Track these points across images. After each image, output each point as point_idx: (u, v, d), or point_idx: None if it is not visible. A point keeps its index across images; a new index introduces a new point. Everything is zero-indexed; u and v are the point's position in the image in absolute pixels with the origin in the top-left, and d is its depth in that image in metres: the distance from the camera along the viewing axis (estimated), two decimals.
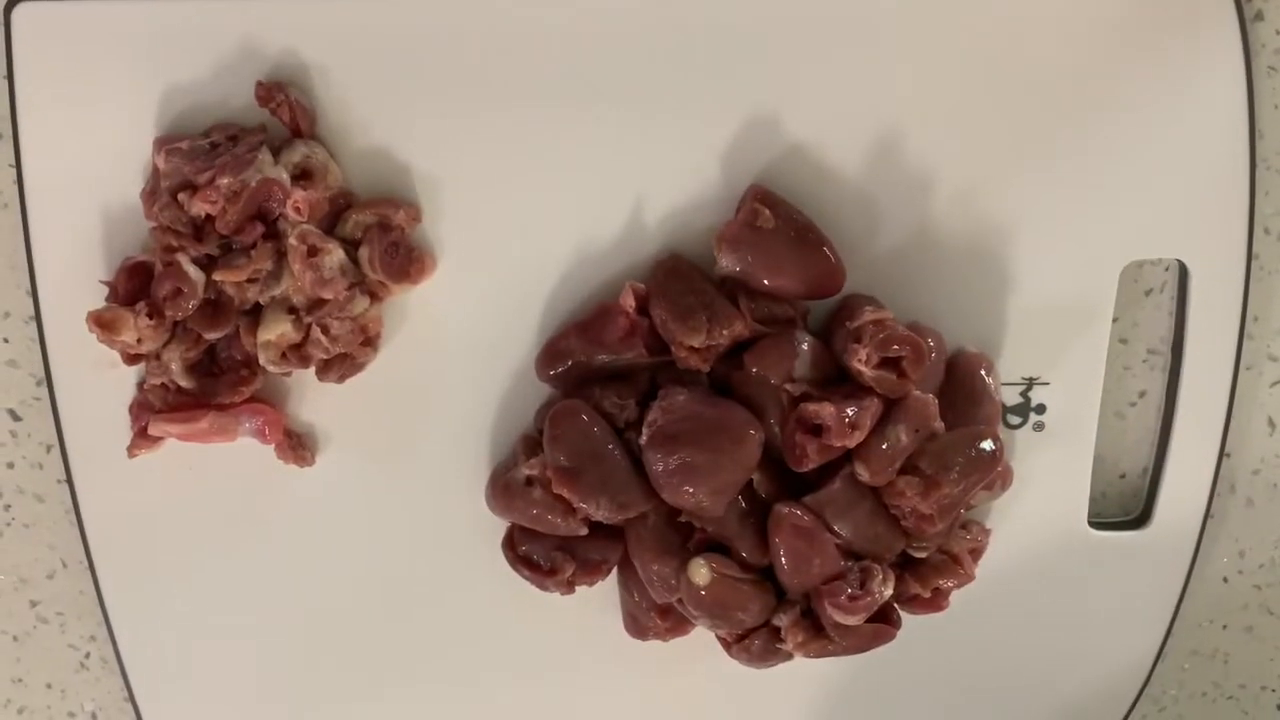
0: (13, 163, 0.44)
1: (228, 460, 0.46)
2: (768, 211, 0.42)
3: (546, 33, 0.43)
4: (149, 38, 0.42)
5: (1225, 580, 0.53)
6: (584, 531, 0.44)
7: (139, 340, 0.43)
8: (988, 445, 0.43)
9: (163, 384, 0.44)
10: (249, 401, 0.45)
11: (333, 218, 0.44)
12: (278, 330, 0.43)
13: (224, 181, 0.41)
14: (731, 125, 0.44)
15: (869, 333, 0.42)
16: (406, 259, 0.43)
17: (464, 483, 0.46)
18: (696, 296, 0.43)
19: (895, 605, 0.45)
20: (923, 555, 0.45)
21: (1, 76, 0.43)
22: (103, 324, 0.42)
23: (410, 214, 0.44)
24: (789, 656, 0.45)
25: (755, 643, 0.45)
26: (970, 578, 0.45)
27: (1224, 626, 0.54)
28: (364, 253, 0.43)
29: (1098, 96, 0.44)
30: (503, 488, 0.45)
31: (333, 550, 0.47)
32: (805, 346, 0.43)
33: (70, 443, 0.46)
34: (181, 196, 0.42)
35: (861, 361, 0.42)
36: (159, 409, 0.45)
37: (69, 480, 0.47)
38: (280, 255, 0.43)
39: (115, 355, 0.44)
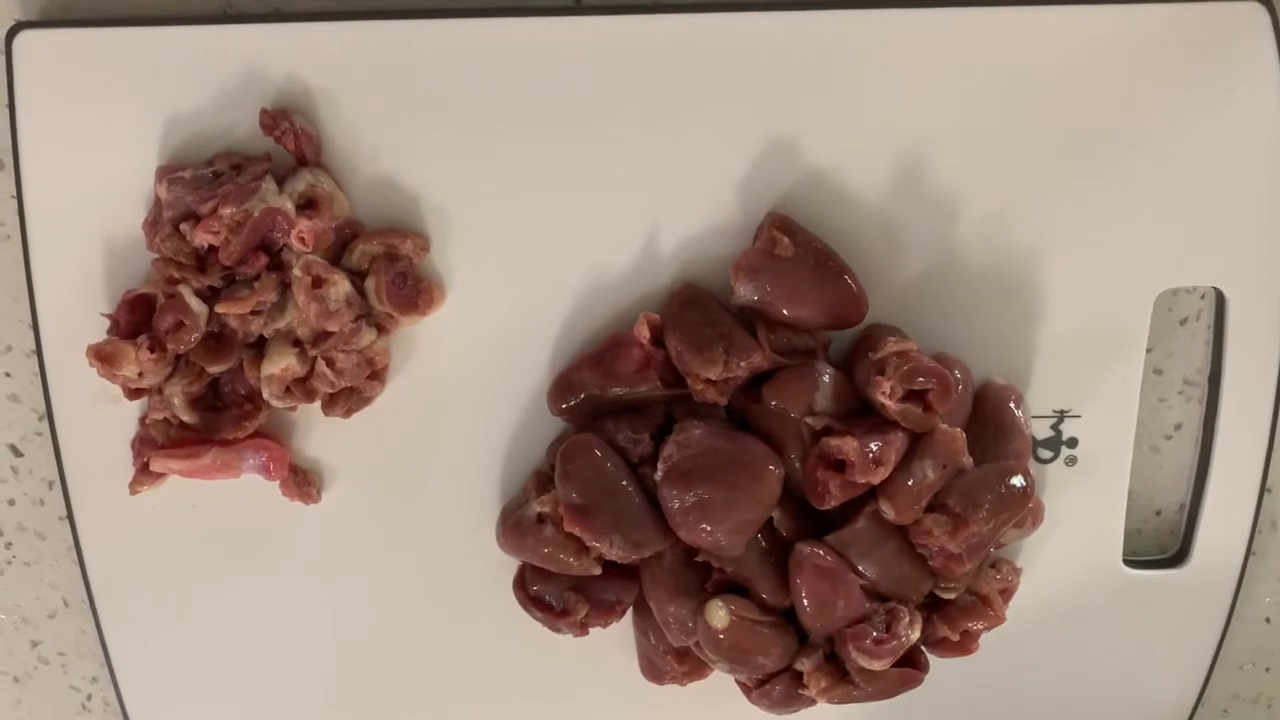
0: (14, 193, 0.43)
1: (232, 497, 0.45)
2: (786, 239, 0.42)
3: (559, 59, 0.42)
4: (153, 65, 0.42)
5: (1268, 621, 0.51)
6: (597, 571, 0.43)
7: (140, 374, 0.42)
8: (1018, 481, 0.42)
9: (165, 419, 0.44)
10: (253, 437, 0.44)
11: (339, 248, 0.43)
12: (282, 363, 0.42)
13: (227, 211, 0.40)
14: (749, 150, 0.43)
15: (893, 364, 0.41)
16: (414, 290, 0.43)
17: (474, 520, 0.46)
18: (713, 327, 0.42)
19: (923, 648, 0.44)
20: (951, 596, 0.44)
21: (3, 105, 0.43)
22: (103, 358, 0.42)
23: (418, 244, 0.43)
24: (812, 703, 0.44)
25: (776, 688, 0.44)
26: (1001, 619, 0.44)
27: (1266, 669, 0.52)
28: (371, 284, 0.42)
29: (1127, 117, 0.43)
30: (513, 525, 0.44)
31: (339, 590, 0.47)
32: (826, 379, 0.42)
33: (71, 479, 0.46)
34: (184, 227, 0.41)
35: (885, 394, 0.41)
36: (161, 444, 0.44)
37: (70, 517, 0.46)
38: (285, 287, 0.42)
39: (117, 390, 0.43)
